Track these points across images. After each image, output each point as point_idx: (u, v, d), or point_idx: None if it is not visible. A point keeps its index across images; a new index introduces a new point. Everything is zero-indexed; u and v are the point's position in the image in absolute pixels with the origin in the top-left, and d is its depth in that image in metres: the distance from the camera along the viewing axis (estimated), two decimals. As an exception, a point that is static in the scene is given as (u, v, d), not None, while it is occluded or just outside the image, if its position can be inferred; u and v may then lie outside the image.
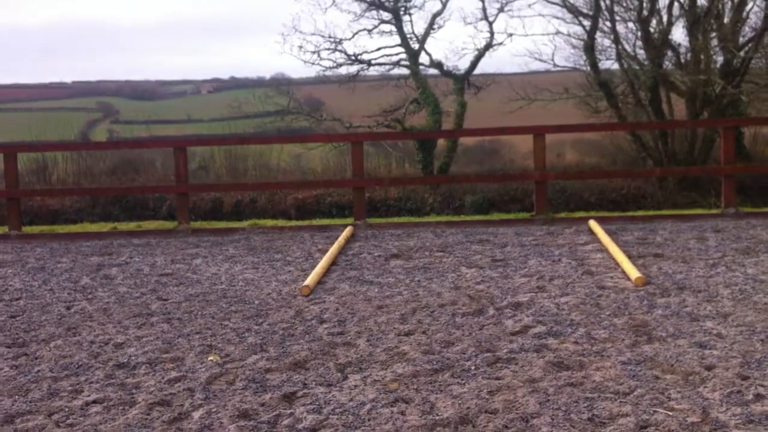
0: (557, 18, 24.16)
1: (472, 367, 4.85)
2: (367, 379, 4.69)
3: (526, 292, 6.55)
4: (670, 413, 4.08)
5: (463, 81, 23.80)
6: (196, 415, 4.27)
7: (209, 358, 5.17)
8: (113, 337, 5.74)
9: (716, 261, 7.46)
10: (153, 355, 5.30)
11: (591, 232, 9.07)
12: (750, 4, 22.84)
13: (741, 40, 23.36)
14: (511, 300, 6.33)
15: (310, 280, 6.90)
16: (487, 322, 5.78)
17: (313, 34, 24.11)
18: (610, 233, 8.72)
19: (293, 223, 11.41)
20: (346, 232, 9.27)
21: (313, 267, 7.50)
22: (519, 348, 5.18)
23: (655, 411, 4.12)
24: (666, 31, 22.82)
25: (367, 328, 5.72)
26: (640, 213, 10.96)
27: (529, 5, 25.60)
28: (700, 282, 6.70)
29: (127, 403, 4.47)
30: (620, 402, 4.24)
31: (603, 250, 8.09)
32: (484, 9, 23.74)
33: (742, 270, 7.07)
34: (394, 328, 5.70)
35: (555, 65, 24.30)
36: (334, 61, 23.72)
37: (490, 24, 23.81)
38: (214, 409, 4.32)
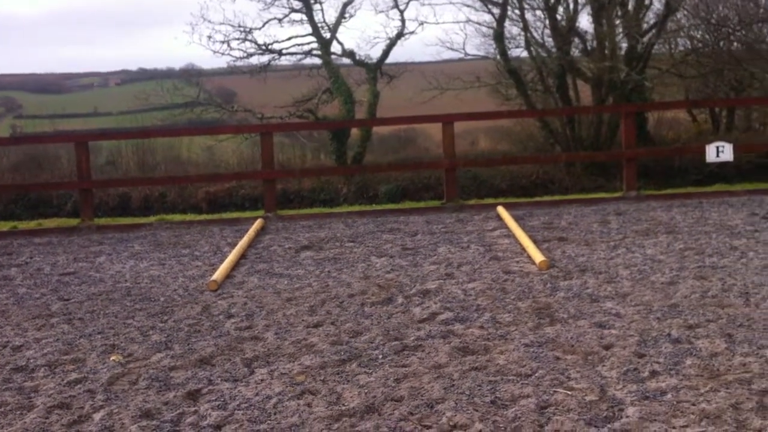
0: (468, 6, 24.50)
1: (380, 356, 4.88)
2: (274, 373, 4.66)
3: (434, 280, 6.62)
4: (570, 393, 4.20)
5: (376, 70, 23.81)
6: (97, 416, 4.17)
7: (111, 359, 5.04)
8: (11, 339, 5.54)
9: (617, 243, 7.70)
10: (53, 357, 5.14)
11: (499, 218, 9.23)
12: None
13: (644, 26, 24.12)
14: (420, 288, 6.39)
15: (218, 274, 6.81)
16: (395, 311, 5.82)
17: (222, 23, 23.62)
18: (517, 219, 8.89)
19: (202, 217, 11.22)
20: (257, 224, 9.17)
21: (221, 261, 7.40)
22: (426, 335, 5.23)
23: (555, 391, 4.22)
24: (572, 18, 23.36)
25: (276, 321, 5.68)
26: (547, 198, 11.21)
27: (441, -7, 25.82)
28: (601, 264, 6.90)
29: (25, 407, 4.32)
30: (522, 384, 4.34)
31: (510, 235, 8.24)
32: (395, -3, 23.81)
33: (642, 251, 7.32)
34: (303, 320, 5.68)
35: (466, 54, 24.57)
36: (245, 51, 23.38)
37: (401, 12, 23.88)
38: (115, 410, 4.22)
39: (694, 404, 3.99)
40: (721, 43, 25.62)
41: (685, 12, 25.58)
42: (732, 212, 9.05)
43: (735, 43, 25.91)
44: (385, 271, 7.03)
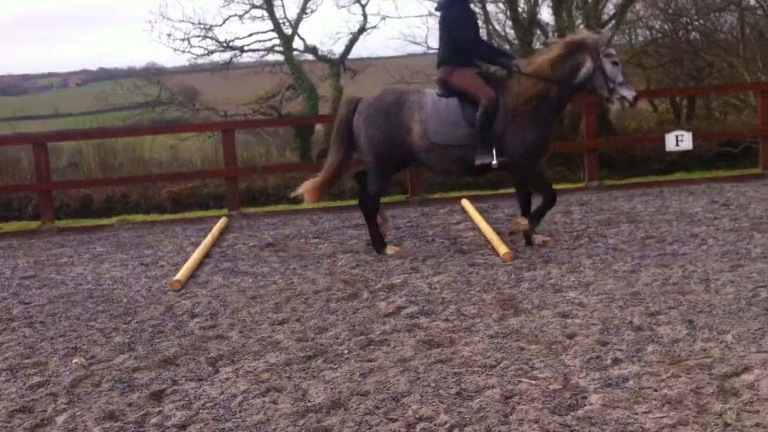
0: (429, -1, 24.47)
1: (345, 351, 4.88)
2: (239, 371, 4.64)
3: (399, 274, 6.63)
4: (534, 382, 4.24)
5: (339, 65, 23.78)
6: (60, 419, 4.12)
7: (74, 361, 4.98)
8: (-30, 346, 5.44)
9: (580, 233, 7.77)
10: (14, 361, 5.06)
11: (464, 211, 9.26)
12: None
13: (604, 17, 24.35)
14: (385, 282, 6.39)
15: (182, 274, 6.75)
16: (361, 306, 5.82)
17: (181, 20, 23.50)
18: (481, 212, 8.92)
19: (165, 217, 11.10)
20: (220, 223, 9.10)
21: (185, 261, 7.33)
22: (391, 329, 5.24)
23: (519, 381, 4.26)
24: (533, 10, 23.52)
25: (240, 319, 5.65)
26: (511, 190, 11.20)
27: (402, -14, 25.84)
28: (564, 254, 6.96)
29: (-15, 413, 4.25)
30: (487, 375, 4.37)
31: (475, 228, 8.27)
32: (356, -9, 23.78)
33: (604, 240, 7.39)
34: (268, 317, 5.66)
35: (429, 47, 24.60)
36: (206, 48, 23.21)
37: (363, 7, 23.87)
38: (78, 413, 4.18)
39: (656, 390, 4.05)
40: (680, 33, 25.95)
41: (644, 2, 25.88)
42: (692, 200, 9.17)
43: (693, 33, 26.23)
44: (350, 266, 7.02)
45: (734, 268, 6.15)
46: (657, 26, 26.94)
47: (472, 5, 7.47)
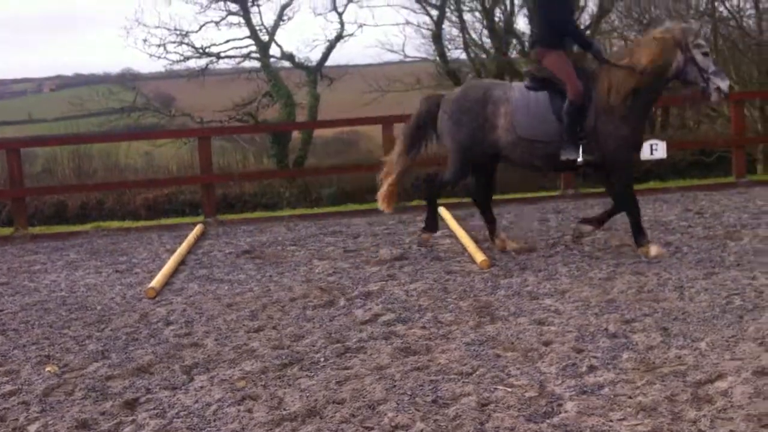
0: (406, 8, 24.59)
1: (322, 359, 4.86)
2: (214, 380, 4.60)
3: (376, 281, 6.62)
4: (510, 390, 4.24)
5: (316, 73, 23.77)
6: (32, 428, 4.06)
7: (47, 369, 4.92)
8: (-60, 354, 5.36)
9: (556, 241, 7.81)
10: (-16, 370, 4.98)
11: (442, 219, 9.26)
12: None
13: (581, 27, 24.53)
14: (362, 290, 6.38)
15: (157, 281, 6.70)
16: (337, 313, 5.80)
17: (157, 26, 23.28)
18: (459, 219, 8.94)
19: (140, 223, 11.03)
20: (196, 230, 9.05)
21: (160, 268, 7.27)
22: (368, 336, 5.23)
23: (495, 388, 4.26)
24: (510, 20, 23.69)
25: (216, 327, 5.61)
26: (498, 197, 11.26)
27: (379, -5, 25.89)
28: (540, 262, 6.99)
29: (-45, 423, 4.18)
30: (463, 382, 4.37)
31: (452, 235, 8.29)
32: (333, 0, 23.81)
33: (579, 248, 7.43)
34: (244, 325, 5.62)
35: (406, 56, 24.71)
36: (182, 55, 23.11)
37: (340, 15, 23.90)
38: (51, 422, 4.12)
39: (630, 397, 4.06)
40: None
41: (619, 13, 26.13)
42: (666, 208, 9.26)
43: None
44: (326, 274, 7.00)
45: (708, 276, 6.21)
46: (632, 36, 27.18)
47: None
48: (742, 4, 24.32)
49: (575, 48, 7.32)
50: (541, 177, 17.96)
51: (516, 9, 23.70)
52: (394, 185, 7.60)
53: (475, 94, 7.20)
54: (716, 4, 24.34)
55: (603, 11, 23.83)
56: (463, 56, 24.37)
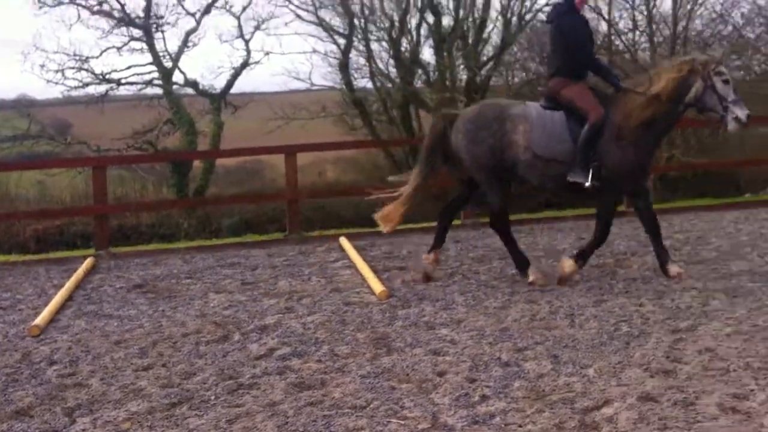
0: (313, 36, 24.63)
1: (213, 397, 4.73)
2: (97, 422, 4.41)
3: (273, 314, 6.52)
4: (403, 422, 4.22)
5: (220, 100, 23.53)
6: None
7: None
8: None
9: (454, 270, 7.89)
10: None
11: (342, 249, 9.24)
12: (490, 26, 24.71)
13: (483, 59, 25.16)
14: (258, 323, 6.27)
15: (41, 319, 6.39)
16: (231, 349, 5.67)
17: (56, 52, 22.59)
18: (359, 249, 8.93)
19: (27, 257, 10.56)
20: (86, 264, 8.72)
21: (46, 304, 6.96)
22: (262, 372, 5.13)
23: (389, 422, 4.23)
24: (416, 50, 24.06)
25: (102, 365, 5.39)
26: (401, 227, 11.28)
27: (286, 24, 25.88)
28: (438, 291, 7.03)
29: None
30: (357, 416, 4.32)
31: (352, 266, 8.26)
32: (240, 27, 23.68)
33: (477, 277, 7.53)
34: (132, 363, 5.42)
35: (313, 84, 24.71)
36: (80, 81, 22.48)
37: (247, 42, 23.79)
38: None
39: (520, 426, 4.10)
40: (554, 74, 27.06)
41: (520, 45, 26.91)
42: (561, 237, 9.50)
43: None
44: (222, 307, 6.85)
45: (598, 303, 6.38)
46: (533, 68, 28.03)
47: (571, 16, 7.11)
48: (637, 38, 25.43)
49: (592, 76, 7.31)
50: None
51: (422, 39, 24.14)
52: (401, 205, 7.47)
53: (491, 112, 7.16)
54: (613, 38, 25.38)
55: (505, 44, 24.50)
56: (370, 85, 24.60)
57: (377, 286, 7.07)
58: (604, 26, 25.24)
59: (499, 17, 24.24)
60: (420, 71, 24.41)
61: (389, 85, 24.13)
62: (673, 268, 7.03)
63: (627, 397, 4.41)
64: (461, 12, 23.77)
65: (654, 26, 23.91)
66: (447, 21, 23.88)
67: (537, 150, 6.92)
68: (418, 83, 24.49)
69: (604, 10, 24.89)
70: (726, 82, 6.80)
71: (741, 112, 6.71)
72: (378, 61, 24.10)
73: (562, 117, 6.97)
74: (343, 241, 9.41)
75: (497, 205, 7.31)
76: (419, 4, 23.43)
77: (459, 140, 7.18)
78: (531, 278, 7.13)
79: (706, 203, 13.33)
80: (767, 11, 25.67)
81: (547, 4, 24.54)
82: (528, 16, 24.54)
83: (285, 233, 10.41)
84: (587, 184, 6.82)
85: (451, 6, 23.86)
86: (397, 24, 23.33)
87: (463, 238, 9.67)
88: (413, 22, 23.79)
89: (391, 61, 24.00)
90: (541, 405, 4.37)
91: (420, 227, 11.05)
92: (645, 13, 24.52)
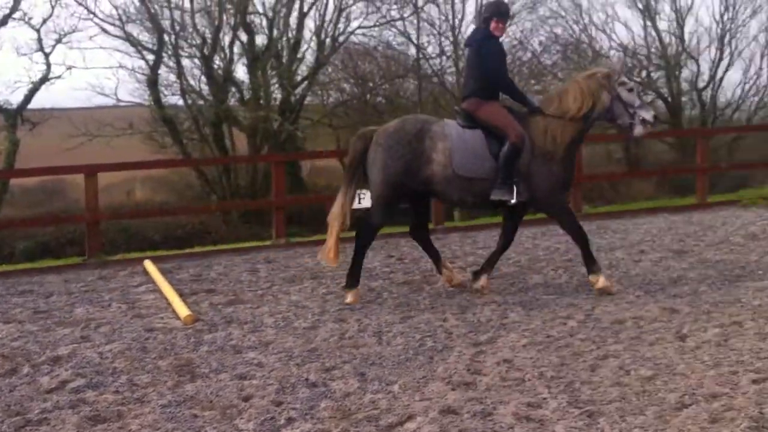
0: (120, 51, 23.57)
1: (-5, 437, 4.33)
2: None
3: (67, 344, 6.10)
4: (204, 452, 4.06)
5: (16, 116, 22.04)
6: None
7: None
8: None
9: (264, 291, 7.77)
10: None
11: (146, 272, 8.85)
12: (305, 46, 24.86)
13: (298, 78, 25.24)
14: (51, 354, 5.84)
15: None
16: (19, 383, 5.24)
17: None
18: (165, 272, 8.59)
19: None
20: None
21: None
22: (53, 406, 4.78)
23: (189, 453, 4.06)
24: (229, 68, 23.73)
25: None
26: (198, 249, 11.04)
27: (90, 38, 24.57)
28: (247, 314, 6.89)
29: None
30: (154, 449, 4.11)
31: (156, 290, 7.93)
32: (39, 40, 22.32)
33: (288, 298, 7.45)
34: None
35: (119, 100, 23.70)
36: None
37: (47, 56, 22.47)
38: None
39: (325, 448, 4.07)
40: (367, 96, 27.70)
41: (335, 66, 27.29)
42: (372, 255, 9.56)
43: (378, 97, 28.14)
44: (11, 338, 6.33)
45: (405, 320, 6.49)
46: (347, 89, 28.50)
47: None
48: (444, 63, 26.49)
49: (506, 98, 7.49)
50: (258, 228, 18.05)
51: (235, 57, 23.85)
52: (337, 232, 7.32)
53: (412, 127, 7.14)
54: (421, 62, 26.30)
55: (320, 64, 24.74)
56: (180, 102, 23.94)
57: (182, 311, 6.82)
58: (413, 50, 26.16)
59: (314, 38, 24.48)
60: (233, 89, 24.13)
61: (201, 102, 23.65)
62: (598, 278, 7.23)
63: (429, 411, 4.49)
64: (275, 31, 23.78)
65: (460, 52, 24.99)
66: (261, 40, 23.83)
67: (458, 168, 7.02)
68: (232, 101, 24.18)
69: (413, 35, 25.81)
70: (630, 90, 7.19)
71: (647, 114, 7.13)
72: (189, 78, 23.58)
73: (480, 135, 7.11)
74: (148, 264, 9.02)
75: (378, 222, 7.35)
76: (232, 22, 23.19)
77: (377, 153, 7.15)
78: (349, 299, 7.19)
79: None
80: (563, 40, 27.67)
81: (359, 27, 25.16)
82: (342, 38, 24.96)
83: (84, 257, 9.83)
84: (513, 201, 7.02)
85: (264, 25, 23.81)
86: (209, 41, 22.94)
87: (274, 259, 9.56)
88: (226, 39, 23.52)
89: (203, 78, 23.56)
90: (346, 424, 4.36)
91: (228, 248, 10.85)
92: (451, 39, 25.65)
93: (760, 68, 28.16)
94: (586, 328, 6.06)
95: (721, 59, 27.44)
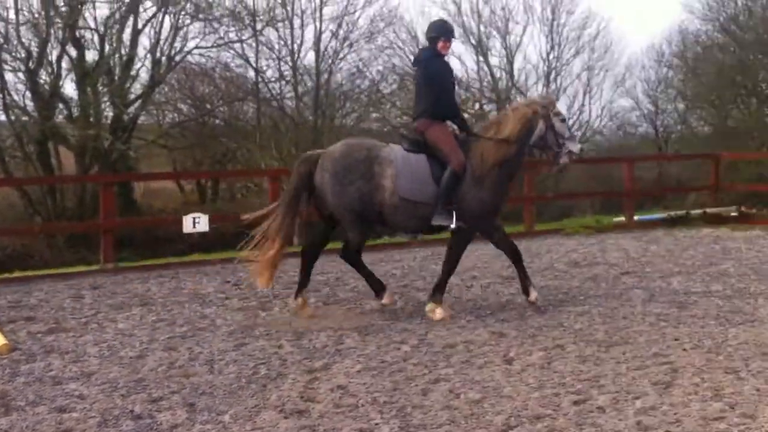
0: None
1: None
2: None
3: None
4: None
5: None
6: None
7: None
8: None
9: (89, 319, 7.38)
10: None
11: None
12: (139, 64, 24.07)
13: (131, 96, 24.40)
14: None
15: None
16: None
17: None
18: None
19: None
20: None
21: None
22: None
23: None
24: (56, 83, 22.54)
25: None
26: (18, 274, 10.33)
27: None
28: (69, 343, 6.50)
29: None
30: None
31: (-32, 317, 7.34)
32: None
33: (114, 326, 7.10)
34: None
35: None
36: None
37: None
38: None
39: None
40: (205, 118, 27.19)
41: (171, 86, 26.63)
42: (206, 281, 9.38)
43: (217, 119, 27.70)
44: None
45: (238, 347, 6.34)
46: (185, 109, 27.85)
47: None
48: (283, 88, 26.48)
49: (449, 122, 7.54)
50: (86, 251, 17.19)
51: (63, 73, 22.71)
52: (276, 257, 7.19)
53: (360, 153, 7.14)
54: (260, 85, 26.17)
55: (155, 82, 24.06)
56: (3, 118, 22.49)
57: (-2, 340, 6.34)
58: (252, 74, 25.99)
59: (149, 55, 23.80)
60: (61, 106, 22.96)
61: (25, 118, 22.33)
62: (533, 294, 7.52)
63: (261, 441, 4.39)
64: (107, 47, 22.91)
65: (299, 77, 25.12)
66: (92, 56, 22.86)
67: (403, 193, 7.08)
68: (59, 118, 23.00)
69: (252, 58, 25.67)
70: (563, 121, 7.55)
71: (574, 147, 7.53)
72: (13, 93, 22.20)
73: (424, 160, 7.18)
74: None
75: (356, 243, 7.36)
76: (60, 36, 22.10)
77: (326, 179, 7.13)
78: (385, 300, 7.40)
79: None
80: (401, 69, 28.41)
81: (196, 47, 24.71)
82: (178, 57, 24.42)
83: None
84: (452, 226, 7.12)
85: (96, 40, 22.89)
86: (35, 55, 21.74)
87: (101, 284, 9.11)
88: (54, 54, 22.36)
89: (28, 94, 22.26)
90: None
91: (51, 273, 10.24)
92: (290, 64, 25.71)
93: (583, 104, 30.25)
94: (419, 352, 6.16)
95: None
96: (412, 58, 29.02)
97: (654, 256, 10.73)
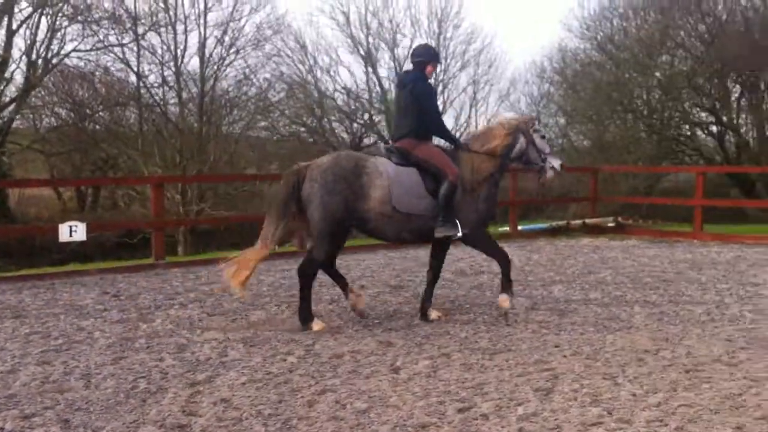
0: None
1: None
2: None
3: None
4: None
5: None
6: None
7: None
8: None
9: (-46, 332, 6.93)
10: None
11: None
12: (13, 66, 23.02)
13: (5, 100, 23.31)
14: None
15: None
16: None
17: None
18: None
19: None
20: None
21: None
22: None
23: None
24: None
25: None
26: None
27: None
28: (-70, 358, 6.09)
29: None
30: None
31: None
32: None
33: (-16, 340, 6.71)
34: None
35: None
36: None
37: None
38: None
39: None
40: (85, 123, 26.23)
41: (48, 90, 25.59)
42: (84, 292, 9.00)
43: (97, 125, 26.77)
44: None
45: (117, 361, 6.10)
46: (63, 114, 26.82)
47: None
48: (166, 93, 25.87)
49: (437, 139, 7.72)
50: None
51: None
52: (255, 261, 7.11)
53: (348, 163, 7.12)
54: (143, 91, 25.47)
55: (30, 86, 23.07)
56: None
57: None
58: (133, 78, 25.29)
59: (24, 57, 22.80)
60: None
61: None
62: (506, 300, 7.45)
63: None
64: (-21, 48, 21.82)
65: (183, 83, 24.61)
66: (-39, 56, 21.71)
67: (398, 205, 7.13)
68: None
69: (134, 62, 24.97)
70: (543, 137, 7.89)
71: (556, 162, 7.84)
72: None
73: (415, 173, 7.28)
74: None
75: (321, 258, 7.20)
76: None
77: (314, 189, 7.06)
78: (315, 327, 7.19)
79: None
80: (288, 77, 28.25)
81: (74, 50, 23.83)
82: (55, 60, 23.48)
83: None
84: (459, 234, 7.25)
85: (-34, 40, 21.77)
86: None
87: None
88: None
89: None
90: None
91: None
92: (173, 69, 25.14)
93: (469, 117, 30.97)
94: (305, 363, 6.09)
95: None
96: (301, 68, 29.04)
97: (536, 265, 11.06)
